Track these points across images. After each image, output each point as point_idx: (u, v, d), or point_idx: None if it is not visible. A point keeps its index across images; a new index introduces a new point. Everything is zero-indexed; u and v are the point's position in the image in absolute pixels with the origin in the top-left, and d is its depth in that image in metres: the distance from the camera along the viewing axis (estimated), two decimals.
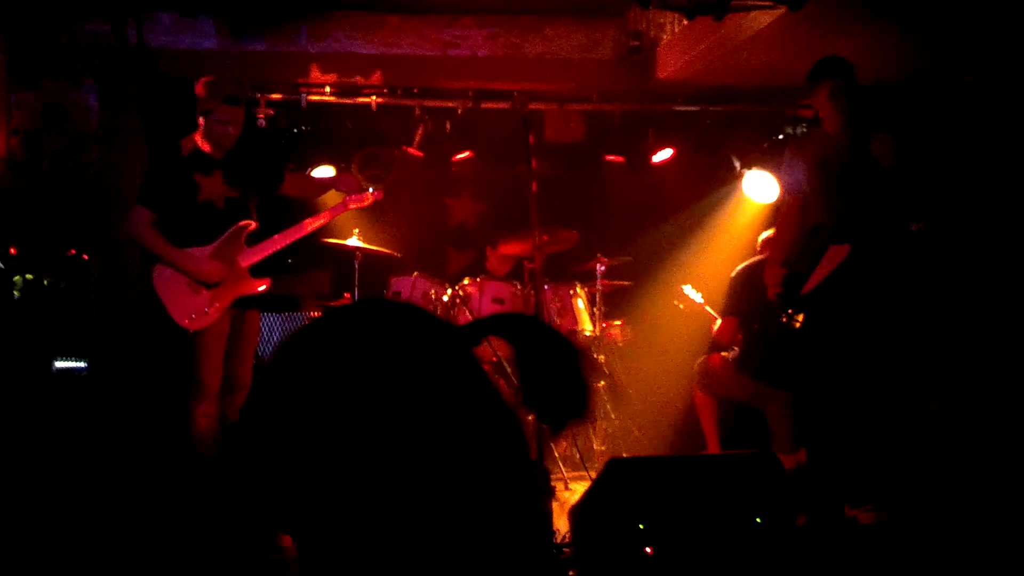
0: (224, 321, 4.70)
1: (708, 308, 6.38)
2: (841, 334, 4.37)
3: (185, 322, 4.61)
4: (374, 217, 6.93)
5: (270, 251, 4.83)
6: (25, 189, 6.16)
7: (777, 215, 6.38)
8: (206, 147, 4.74)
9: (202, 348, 4.63)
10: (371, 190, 5.21)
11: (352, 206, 5.20)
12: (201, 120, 4.69)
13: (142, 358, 5.88)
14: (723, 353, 5.98)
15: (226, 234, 4.72)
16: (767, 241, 6.08)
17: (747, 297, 5.72)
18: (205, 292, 4.65)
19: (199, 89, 4.65)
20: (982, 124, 5.57)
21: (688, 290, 6.51)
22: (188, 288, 4.64)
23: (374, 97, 6.83)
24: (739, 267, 6.09)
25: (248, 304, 4.84)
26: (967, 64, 5.64)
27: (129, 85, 6.46)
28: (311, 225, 4.95)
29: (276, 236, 4.87)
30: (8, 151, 6.09)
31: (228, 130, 4.69)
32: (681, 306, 6.54)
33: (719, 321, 6.15)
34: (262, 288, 4.82)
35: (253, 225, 4.81)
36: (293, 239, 4.92)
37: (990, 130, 5.50)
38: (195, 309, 4.63)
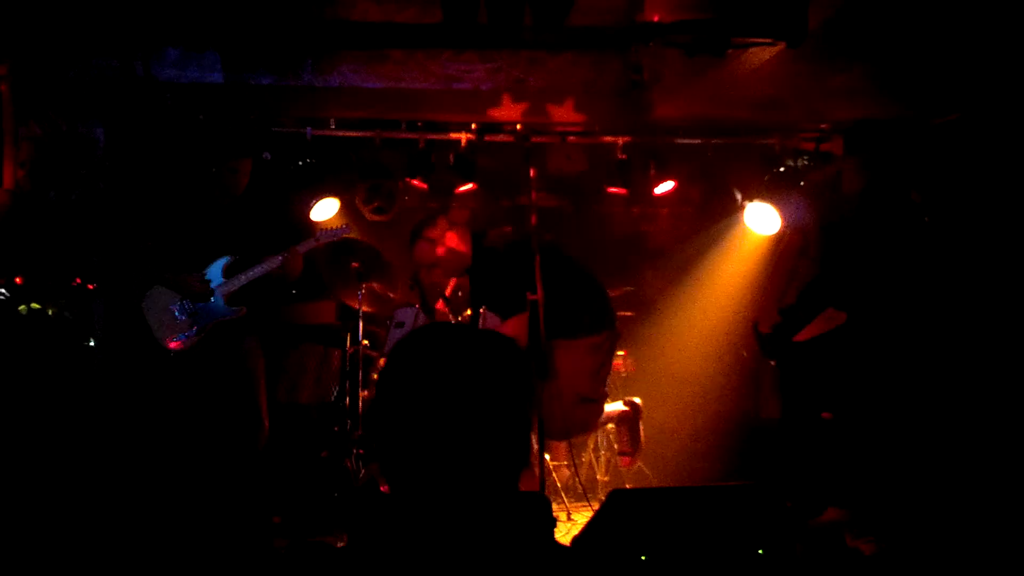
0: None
1: None
2: (825, 382, 4.62)
3: (168, 343, 5.15)
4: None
5: (244, 282, 5.26)
6: (31, 220, 6.21)
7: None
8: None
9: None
10: (344, 227, 5.69)
11: (322, 243, 5.55)
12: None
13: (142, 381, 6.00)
14: None
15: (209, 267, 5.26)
16: None
17: None
18: (186, 318, 5.17)
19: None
20: (971, 162, 5.61)
21: None
22: (173, 313, 5.17)
23: (378, 130, 6.89)
24: None
25: (240, 332, 5.27)
26: (950, 104, 5.69)
27: (135, 118, 6.53)
28: (279, 260, 5.28)
29: (250, 269, 5.28)
30: (15, 183, 6.13)
31: (237, 179, 5.29)
32: None
33: None
34: (237, 315, 5.24)
35: (231, 260, 5.28)
36: (266, 272, 5.28)
37: (975, 168, 5.54)
38: (177, 332, 5.15)
